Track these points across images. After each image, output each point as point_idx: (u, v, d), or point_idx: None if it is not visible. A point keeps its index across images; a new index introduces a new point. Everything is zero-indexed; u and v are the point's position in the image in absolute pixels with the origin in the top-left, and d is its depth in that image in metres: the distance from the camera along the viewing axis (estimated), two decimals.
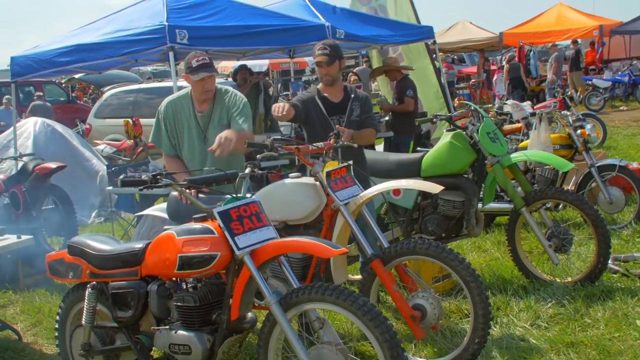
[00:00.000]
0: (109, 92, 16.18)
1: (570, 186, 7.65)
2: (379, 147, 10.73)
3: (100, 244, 4.23)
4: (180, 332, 3.77)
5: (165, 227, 3.99)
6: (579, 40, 24.14)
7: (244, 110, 5.15)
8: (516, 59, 22.21)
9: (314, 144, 4.72)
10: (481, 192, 6.04)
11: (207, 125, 5.17)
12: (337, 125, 5.37)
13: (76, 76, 21.82)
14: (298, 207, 4.57)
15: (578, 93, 19.67)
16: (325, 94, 5.57)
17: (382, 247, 4.63)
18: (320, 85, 5.62)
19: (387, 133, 10.69)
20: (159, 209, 5.27)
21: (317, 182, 4.57)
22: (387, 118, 10.90)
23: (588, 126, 7.53)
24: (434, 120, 6.26)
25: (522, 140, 8.20)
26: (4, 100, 17.77)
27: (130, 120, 11.55)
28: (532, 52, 22.49)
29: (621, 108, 20.79)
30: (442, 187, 4.83)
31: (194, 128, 5.20)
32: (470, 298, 4.40)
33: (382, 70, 10.87)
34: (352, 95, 5.58)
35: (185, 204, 4.50)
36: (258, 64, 22.16)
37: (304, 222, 4.64)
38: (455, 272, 4.42)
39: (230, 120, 5.14)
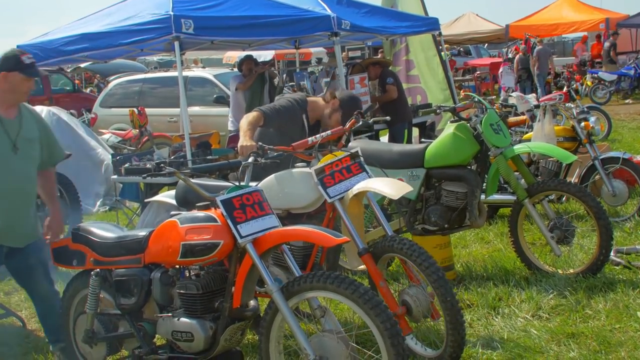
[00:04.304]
0: (114, 82, 16.20)
1: (573, 178, 7.65)
2: (384, 138, 10.72)
3: (104, 232, 4.27)
4: (183, 319, 3.81)
5: (173, 212, 4.01)
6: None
7: (52, 132, 5.03)
8: (522, 50, 22.16)
9: (316, 136, 4.74)
10: (484, 184, 6.06)
11: (17, 134, 4.65)
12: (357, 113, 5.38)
13: (82, 65, 21.80)
14: (300, 196, 4.58)
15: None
16: (311, 113, 5.61)
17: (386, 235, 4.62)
18: (310, 99, 5.65)
19: (382, 125, 10.70)
20: (168, 196, 5.30)
21: None
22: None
23: (592, 119, 7.51)
24: (438, 111, 6.28)
25: (526, 133, 8.20)
26: None
27: (135, 109, 11.55)
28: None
29: (627, 101, 20.74)
30: (403, 193, 4.44)
31: (2, 134, 4.64)
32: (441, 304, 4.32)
33: (360, 69, 10.86)
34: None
35: None
36: (263, 54, 22.14)
37: (306, 212, 4.67)
38: (424, 275, 4.32)
39: (50, 146, 4.88)
